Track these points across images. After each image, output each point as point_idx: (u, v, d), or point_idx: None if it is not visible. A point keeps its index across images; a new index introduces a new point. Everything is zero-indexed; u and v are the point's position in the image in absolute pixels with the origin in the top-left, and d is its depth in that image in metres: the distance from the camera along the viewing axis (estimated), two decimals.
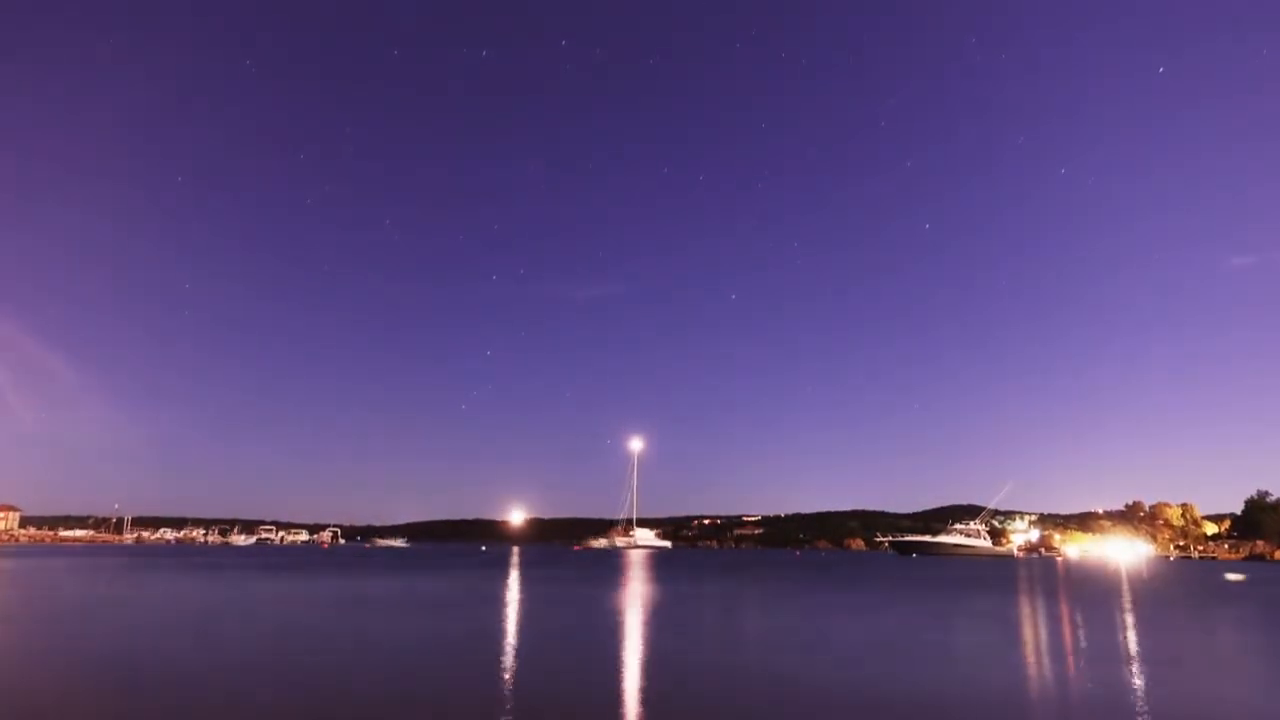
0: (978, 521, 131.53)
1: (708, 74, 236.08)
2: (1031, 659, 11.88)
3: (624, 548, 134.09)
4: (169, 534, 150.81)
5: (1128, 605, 23.27)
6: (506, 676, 9.48)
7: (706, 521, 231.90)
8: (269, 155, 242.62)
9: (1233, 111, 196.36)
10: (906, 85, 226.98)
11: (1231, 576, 48.48)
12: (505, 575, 37.22)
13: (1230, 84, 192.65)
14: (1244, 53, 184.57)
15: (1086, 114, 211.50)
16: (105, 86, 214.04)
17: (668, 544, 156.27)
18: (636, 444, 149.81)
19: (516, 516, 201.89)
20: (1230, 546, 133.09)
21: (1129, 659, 11.86)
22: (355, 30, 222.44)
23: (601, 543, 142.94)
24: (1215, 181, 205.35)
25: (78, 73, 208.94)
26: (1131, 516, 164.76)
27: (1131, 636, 15.05)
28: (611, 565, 54.99)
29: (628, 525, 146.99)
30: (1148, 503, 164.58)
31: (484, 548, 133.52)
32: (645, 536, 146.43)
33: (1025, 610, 21.22)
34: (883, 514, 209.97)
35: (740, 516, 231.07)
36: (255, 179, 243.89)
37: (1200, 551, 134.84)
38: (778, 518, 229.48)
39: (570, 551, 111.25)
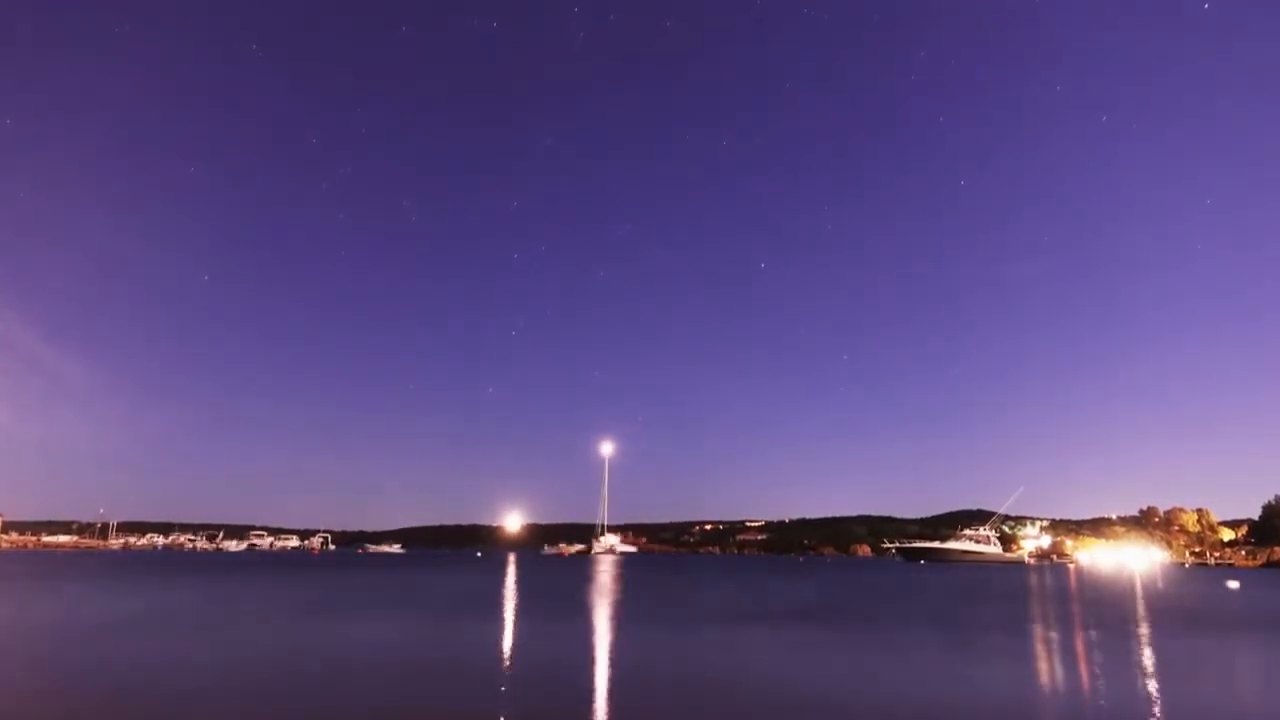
0: (987, 527, 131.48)
1: (728, 34, 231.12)
2: (1042, 671, 11.74)
3: (596, 553, 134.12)
4: (156, 540, 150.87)
5: (1142, 615, 23.14)
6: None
7: (708, 527, 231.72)
8: (280, 142, 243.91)
9: None
10: (936, 36, 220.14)
11: (1231, 584, 48.37)
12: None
13: None
14: None
15: (1128, 57, 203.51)
16: (109, 80, 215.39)
17: (632, 549, 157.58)
18: (607, 448, 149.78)
19: (513, 522, 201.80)
20: (1247, 553, 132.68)
21: (1142, 672, 11.73)
22: (361, 8, 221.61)
23: (578, 547, 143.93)
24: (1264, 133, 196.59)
25: (80, 67, 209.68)
26: (1146, 522, 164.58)
27: (1146, 649, 14.91)
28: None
29: (602, 531, 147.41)
30: (1163, 508, 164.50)
31: (479, 554, 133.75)
32: (609, 542, 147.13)
33: (1035, 619, 21.10)
34: (890, 519, 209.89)
35: (743, 522, 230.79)
36: (267, 167, 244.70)
37: (1217, 558, 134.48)
38: (782, 523, 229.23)
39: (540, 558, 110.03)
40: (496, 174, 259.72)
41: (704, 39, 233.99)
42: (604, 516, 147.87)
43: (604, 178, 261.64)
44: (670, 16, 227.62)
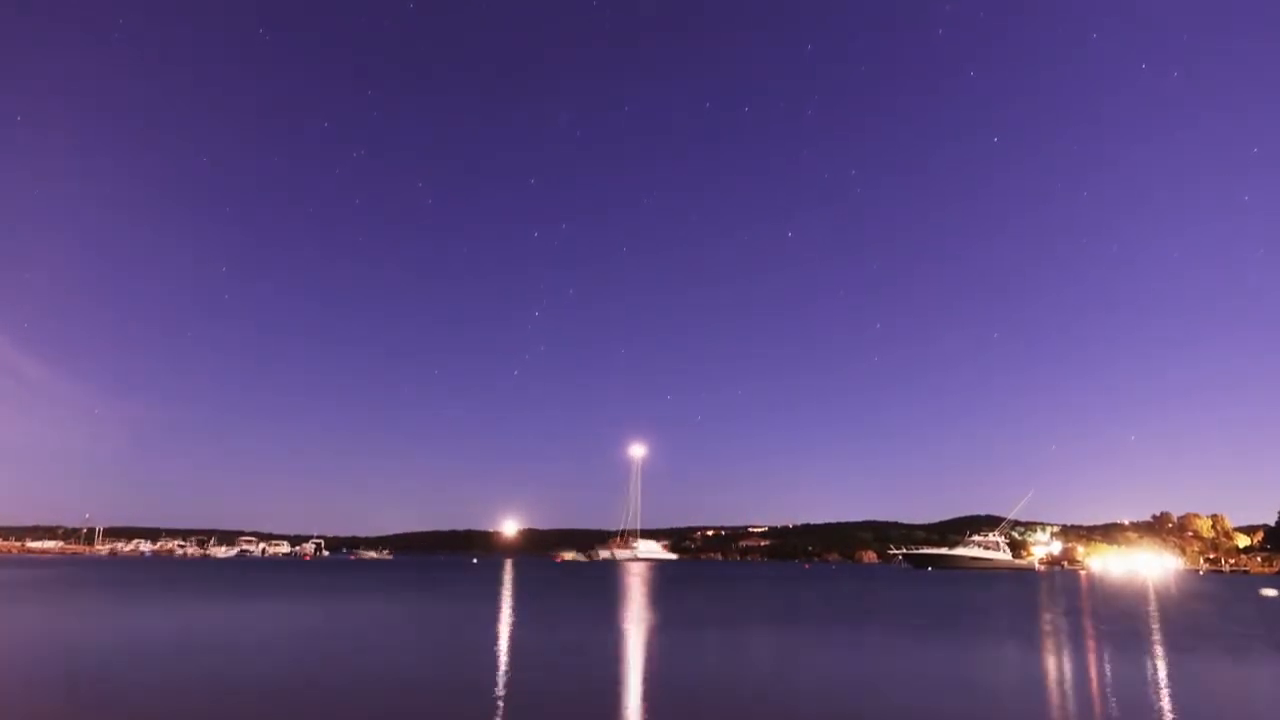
0: (996, 533, 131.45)
1: None
2: (1053, 685, 11.86)
3: (624, 559, 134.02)
4: (144, 545, 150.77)
5: (1156, 626, 23.24)
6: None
7: (710, 533, 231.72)
8: (292, 128, 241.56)
9: None
10: None
11: (1268, 592, 48.38)
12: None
13: None
14: None
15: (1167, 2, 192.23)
16: (115, 73, 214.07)
17: (673, 555, 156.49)
18: (638, 450, 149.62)
19: (510, 527, 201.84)
20: (1263, 560, 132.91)
21: (1156, 686, 11.84)
22: None
23: (600, 553, 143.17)
24: None
25: (85, 62, 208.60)
26: (1159, 528, 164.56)
27: (1160, 661, 15.02)
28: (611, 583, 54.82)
29: (628, 536, 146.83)
30: (1176, 514, 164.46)
31: (475, 559, 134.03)
32: (649, 548, 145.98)
33: (1046, 628, 21.19)
34: (896, 525, 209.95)
35: (746, 527, 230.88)
36: (280, 154, 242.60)
37: (1231, 565, 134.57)
38: (786, 529, 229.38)
39: (551, 565, 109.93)
40: (513, 151, 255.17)
41: (721, 2, 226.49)
42: (636, 521, 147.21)
43: (623, 150, 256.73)
44: None
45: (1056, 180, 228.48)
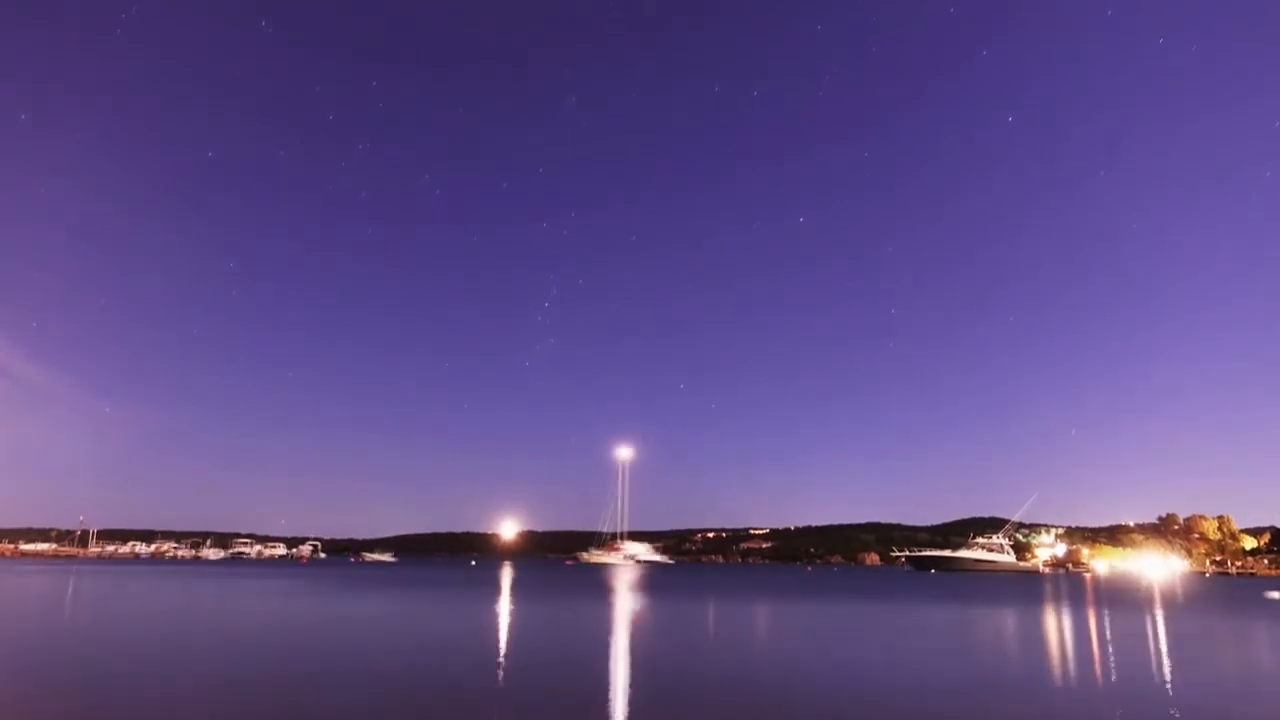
0: (1000, 535, 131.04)
1: None
2: (1059, 690, 11.57)
3: (610, 563, 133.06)
4: (138, 547, 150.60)
5: (1162, 628, 22.96)
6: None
7: (710, 535, 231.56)
8: (296, 121, 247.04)
9: None
10: None
11: (1273, 594, 48.09)
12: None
13: None
14: None
15: None
16: (118, 69, 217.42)
17: (659, 558, 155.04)
18: (625, 452, 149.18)
19: (508, 529, 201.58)
20: (1270, 562, 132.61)
21: (1163, 691, 11.56)
22: None
23: (588, 556, 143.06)
24: None
25: (88, 58, 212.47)
26: (1165, 530, 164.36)
27: (1166, 666, 14.73)
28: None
29: (615, 539, 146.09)
30: (1182, 515, 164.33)
31: (473, 562, 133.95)
32: (637, 550, 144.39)
33: (1052, 631, 20.92)
34: (899, 527, 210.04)
35: (747, 529, 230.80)
36: (285, 148, 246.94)
37: (1238, 567, 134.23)
38: (787, 531, 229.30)
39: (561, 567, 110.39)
40: (519, 141, 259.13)
41: None
42: (623, 523, 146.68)
43: (631, 137, 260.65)
44: None
45: (1073, 160, 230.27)
